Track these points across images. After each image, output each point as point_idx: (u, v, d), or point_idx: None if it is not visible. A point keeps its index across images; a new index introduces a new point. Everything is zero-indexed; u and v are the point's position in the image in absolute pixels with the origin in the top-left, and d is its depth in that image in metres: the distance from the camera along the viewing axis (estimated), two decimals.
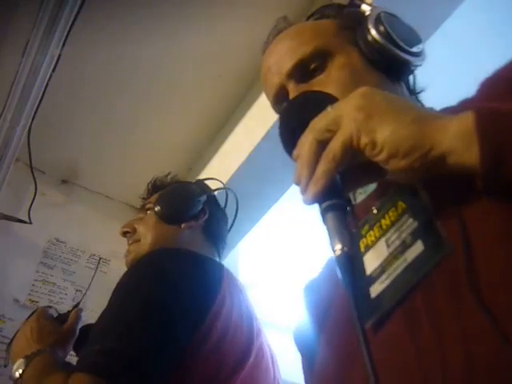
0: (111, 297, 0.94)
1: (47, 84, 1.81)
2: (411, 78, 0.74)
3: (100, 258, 2.21)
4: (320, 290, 0.68)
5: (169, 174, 1.37)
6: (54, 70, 1.77)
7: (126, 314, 0.88)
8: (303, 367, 0.71)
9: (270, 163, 1.84)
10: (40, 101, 1.86)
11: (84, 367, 0.80)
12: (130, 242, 1.23)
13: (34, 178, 2.15)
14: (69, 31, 1.65)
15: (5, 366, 1.07)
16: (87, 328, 1.08)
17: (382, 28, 0.68)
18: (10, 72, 1.82)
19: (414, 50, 0.69)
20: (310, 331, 0.66)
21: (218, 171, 2.17)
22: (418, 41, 0.70)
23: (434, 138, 0.44)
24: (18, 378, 0.90)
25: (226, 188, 1.37)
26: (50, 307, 1.14)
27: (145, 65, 2.00)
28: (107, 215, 2.50)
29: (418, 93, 0.75)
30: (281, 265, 2.60)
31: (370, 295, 0.52)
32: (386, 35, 0.68)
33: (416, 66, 0.70)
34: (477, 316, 0.41)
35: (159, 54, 1.96)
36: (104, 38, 1.88)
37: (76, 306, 1.16)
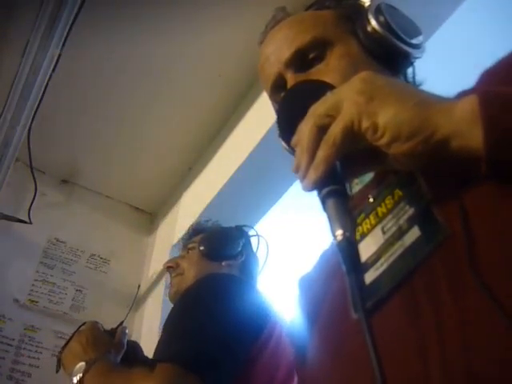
0: (179, 306, 1.07)
1: (47, 84, 1.81)
2: (410, 70, 0.73)
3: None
4: (313, 285, 0.68)
5: (209, 220, 1.55)
6: (53, 70, 1.77)
7: (199, 319, 0.99)
8: (296, 360, 0.71)
9: (270, 163, 1.84)
10: (40, 101, 1.86)
11: (168, 359, 0.90)
12: (174, 275, 1.38)
13: (34, 178, 2.15)
14: (69, 31, 1.65)
15: (56, 372, 1.15)
16: (132, 344, 1.21)
17: (382, 18, 0.68)
18: (10, 72, 1.82)
19: (414, 41, 0.68)
20: (302, 325, 0.66)
21: (218, 171, 2.17)
22: (418, 33, 0.70)
23: (437, 121, 0.44)
24: (78, 380, 0.99)
25: (259, 235, 1.53)
26: (96, 322, 1.22)
27: (144, 65, 2.00)
28: (107, 215, 2.51)
29: (417, 86, 0.74)
30: (281, 264, 2.60)
31: (364, 282, 0.52)
32: (386, 26, 0.67)
33: (415, 57, 0.69)
34: (477, 297, 0.41)
35: (159, 54, 1.96)
36: (104, 38, 1.88)
37: (121, 323, 1.26)
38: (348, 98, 0.47)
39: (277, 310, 1.15)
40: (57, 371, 1.14)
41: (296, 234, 2.51)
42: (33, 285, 2.13)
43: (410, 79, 0.73)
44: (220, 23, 1.87)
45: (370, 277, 0.52)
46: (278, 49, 0.71)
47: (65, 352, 1.12)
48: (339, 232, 0.45)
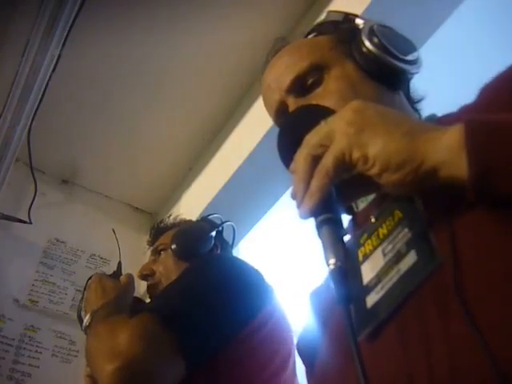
0: (180, 275, 1.06)
1: (47, 84, 1.81)
2: (409, 86, 0.75)
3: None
4: (321, 299, 0.69)
5: (170, 215, 1.47)
6: (54, 70, 1.77)
7: (190, 282, 0.99)
8: (307, 377, 0.71)
9: (270, 163, 1.84)
10: (40, 101, 1.86)
11: (149, 309, 0.90)
12: (150, 282, 1.31)
13: (34, 178, 2.15)
14: (69, 31, 1.65)
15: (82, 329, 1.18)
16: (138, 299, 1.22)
17: (375, 39, 0.69)
18: (10, 72, 1.82)
19: (409, 58, 0.69)
20: (312, 341, 0.67)
21: (218, 171, 2.17)
22: (413, 49, 0.71)
23: (424, 151, 0.45)
24: (86, 327, 1.04)
25: (226, 221, 1.43)
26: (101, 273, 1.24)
27: (144, 65, 2.00)
28: (107, 215, 2.51)
29: (417, 101, 0.76)
30: (281, 265, 2.60)
31: (366, 305, 0.52)
32: (379, 46, 0.69)
33: (412, 73, 0.70)
34: (464, 330, 0.41)
35: (159, 54, 1.96)
36: (104, 38, 1.88)
37: (119, 263, 1.28)
38: (339, 128, 0.49)
39: (276, 295, 1.12)
40: (81, 328, 1.17)
41: (296, 234, 2.51)
42: (33, 285, 2.14)
43: (410, 95, 0.75)
44: (220, 23, 1.87)
45: (371, 300, 0.52)
46: (279, 76, 0.73)
47: (83, 306, 1.15)
48: (332, 261, 0.46)
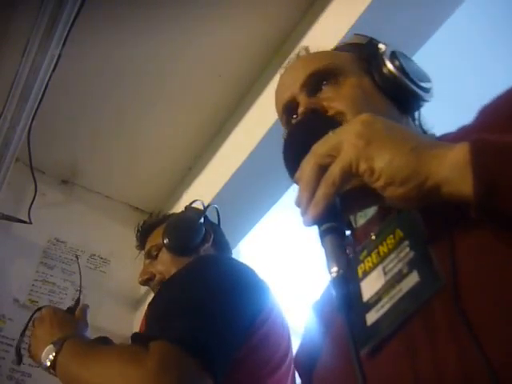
0: (173, 281, 1.02)
1: (47, 84, 1.81)
2: (418, 115, 0.77)
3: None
4: (323, 311, 0.69)
5: (151, 213, 1.46)
6: (54, 70, 1.77)
7: (199, 294, 0.93)
8: (302, 380, 0.72)
9: (270, 163, 1.84)
10: (40, 101, 1.86)
11: (167, 336, 0.82)
12: (155, 283, 1.27)
13: (34, 178, 2.15)
14: (69, 31, 1.65)
15: (18, 364, 1.13)
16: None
17: (396, 62, 0.73)
18: (10, 72, 1.82)
19: (424, 85, 0.72)
20: (311, 353, 0.67)
21: (218, 171, 2.17)
22: (427, 79, 0.74)
23: (430, 167, 0.45)
24: (50, 364, 0.92)
25: (208, 205, 1.42)
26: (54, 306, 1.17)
27: (144, 65, 2.00)
28: (107, 215, 2.51)
29: (424, 132, 0.77)
30: (281, 265, 2.60)
31: (365, 322, 0.53)
32: (400, 68, 0.72)
33: (424, 100, 0.73)
34: (472, 352, 0.42)
35: (159, 54, 1.96)
36: (104, 38, 1.88)
37: (77, 300, 1.20)
38: (347, 140, 0.50)
39: (272, 293, 1.10)
40: (18, 363, 1.12)
41: (296, 234, 2.50)
42: (33, 285, 2.14)
43: (418, 122, 0.77)
44: (220, 23, 1.87)
45: (371, 318, 0.53)
46: (295, 73, 0.76)
47: (31, 341, 1.06)
48: (334, 269, 0.47)
